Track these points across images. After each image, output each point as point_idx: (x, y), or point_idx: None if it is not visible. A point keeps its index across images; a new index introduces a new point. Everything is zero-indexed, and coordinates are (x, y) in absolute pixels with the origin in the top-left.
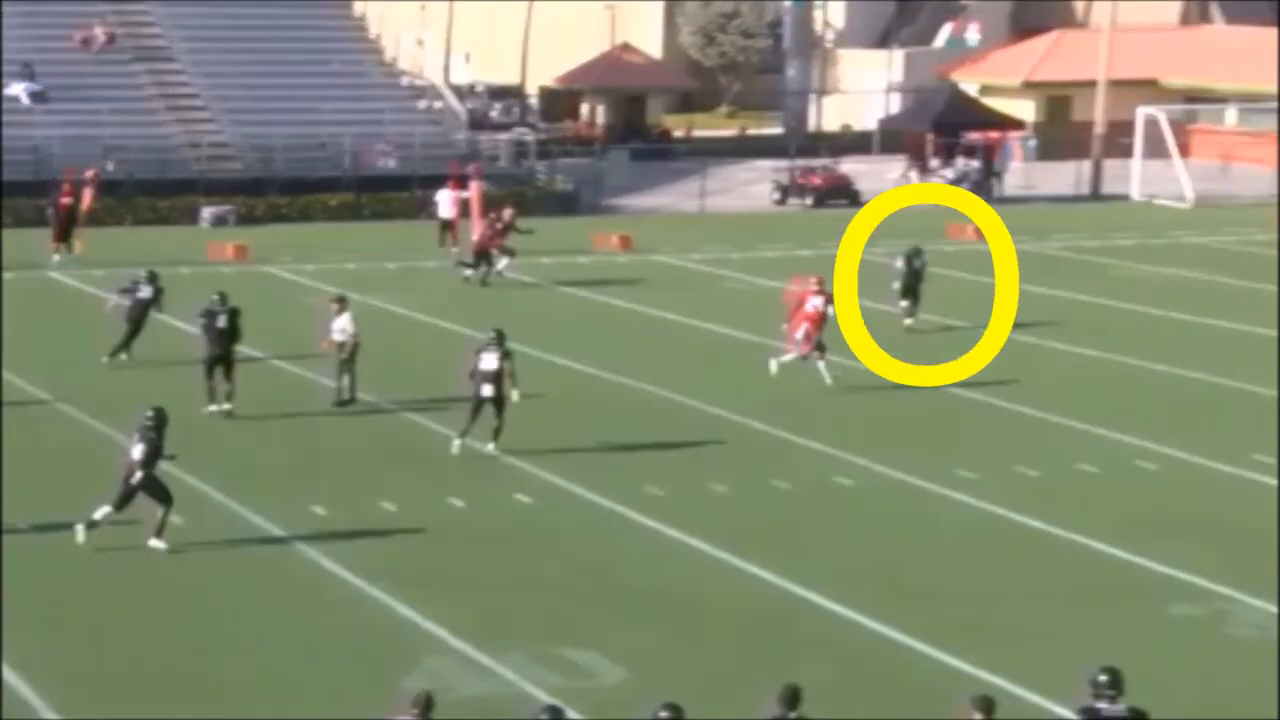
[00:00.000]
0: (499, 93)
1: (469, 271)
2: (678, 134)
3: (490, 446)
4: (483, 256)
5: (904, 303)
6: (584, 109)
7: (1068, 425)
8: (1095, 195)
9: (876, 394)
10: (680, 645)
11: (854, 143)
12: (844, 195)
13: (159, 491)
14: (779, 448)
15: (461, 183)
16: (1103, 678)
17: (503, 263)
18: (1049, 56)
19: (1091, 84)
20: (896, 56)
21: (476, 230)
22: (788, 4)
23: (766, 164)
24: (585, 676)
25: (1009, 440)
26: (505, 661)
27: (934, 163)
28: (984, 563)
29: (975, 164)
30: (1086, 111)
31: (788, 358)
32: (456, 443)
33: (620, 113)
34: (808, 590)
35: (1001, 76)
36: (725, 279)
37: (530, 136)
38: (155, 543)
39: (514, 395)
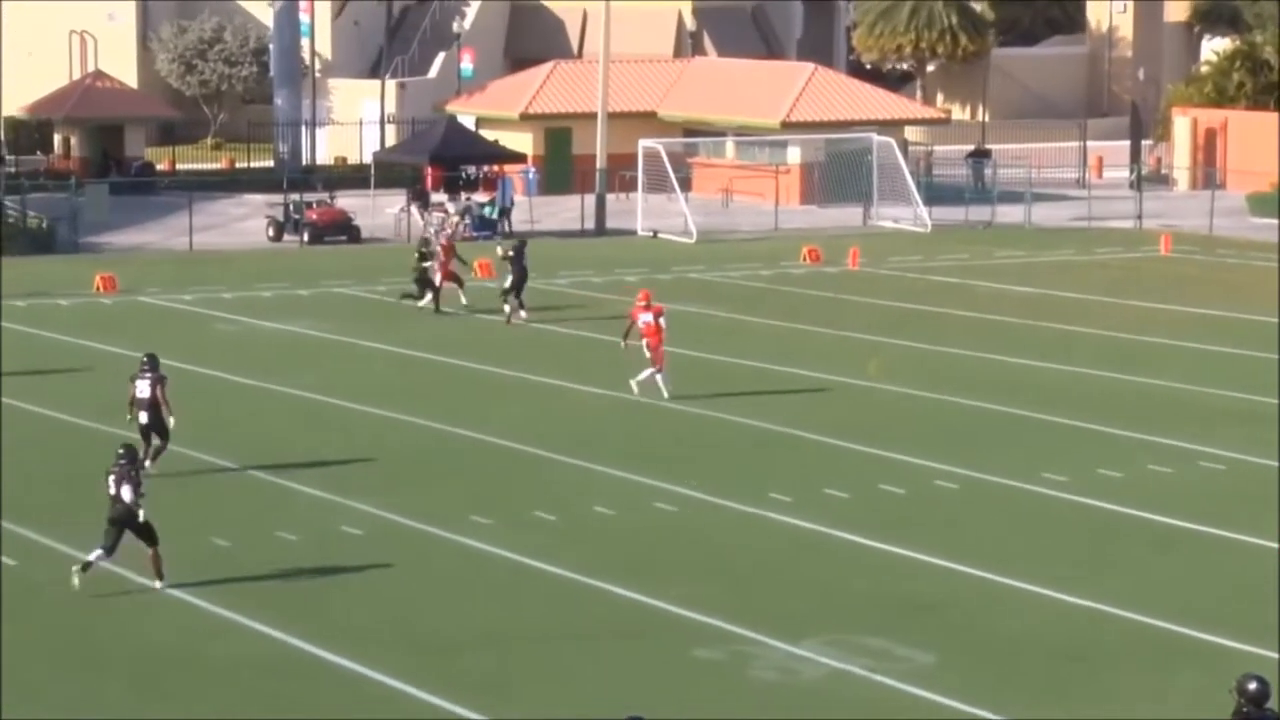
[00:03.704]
0: None
1: None
2: (161, 167)
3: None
4: None
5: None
6: (57, 140)
7: (588, 468)
8: (600, 230)
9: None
10: (177, 710)
11: (350, 176)
12: (342, 231)
13: (147, 530)
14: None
15: None
16: None
17: None
18: (546, 87)
19: (591, 116)
20: (390, 87)
21: None
22: (270, 30)
23: (259, 198)
24: None
25: (524, 484)
26: None
27: (436, 196)
28: (500, 608)
29: (478, 198)
30: (588, 144)
31: (643, 375)
32: (149, 464)
33: (96, 144)
34: (314, 646)
35: (499, 108)
36: (218, 320)
37: None
38: (158, 583)
39: (170, 421)
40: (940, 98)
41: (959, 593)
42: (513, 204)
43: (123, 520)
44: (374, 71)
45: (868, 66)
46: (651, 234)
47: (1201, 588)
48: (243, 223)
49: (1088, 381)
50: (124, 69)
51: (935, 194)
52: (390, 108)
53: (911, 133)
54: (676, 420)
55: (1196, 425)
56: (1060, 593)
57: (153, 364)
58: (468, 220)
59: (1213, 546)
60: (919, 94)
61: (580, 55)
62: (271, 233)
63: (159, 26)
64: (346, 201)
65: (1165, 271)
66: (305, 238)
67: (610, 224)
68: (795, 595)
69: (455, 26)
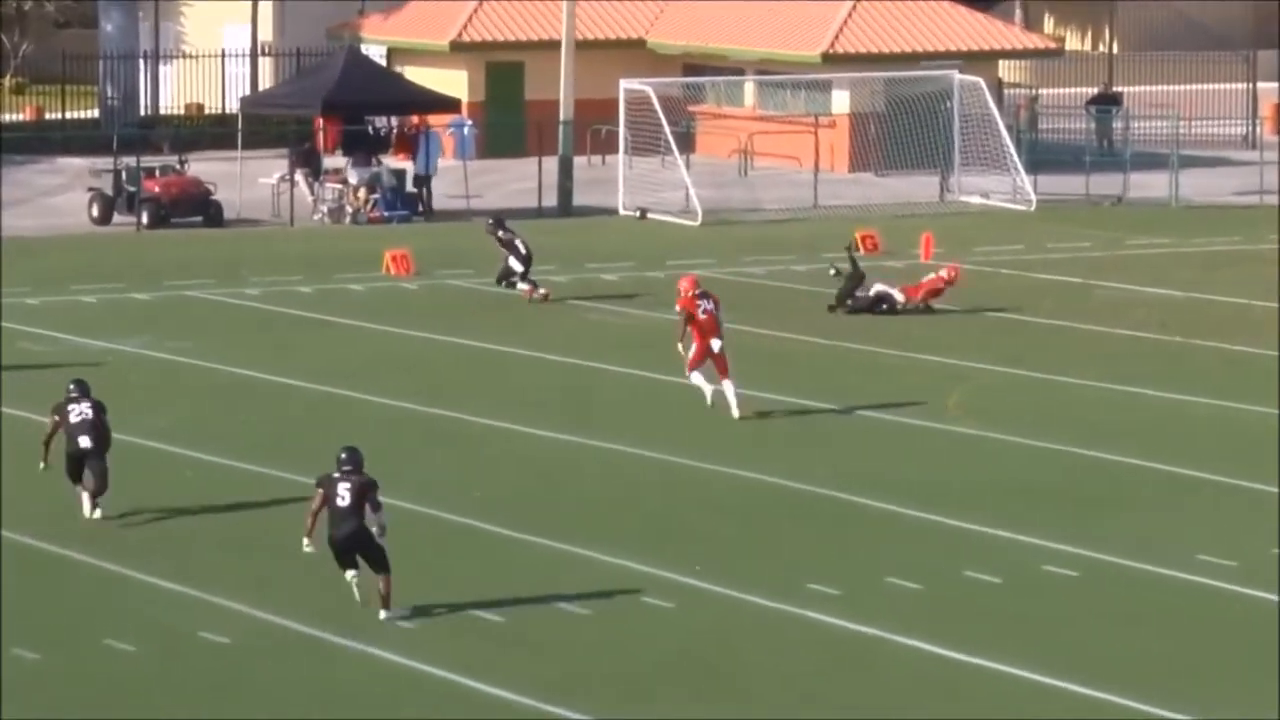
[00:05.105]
0: None
1: None
2: None
3: (97, 513)
4: None
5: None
6: None
7: (546, 545)
8: (566, 209)
9: None
10: None
11: (209, 131)
12: (198, 209)
13: (381, 555)
14: None
15: None
16: None
17: None
18: (486, 5)
19: (552, 45)
20: (265, 6)
21: None
22: None
23: (78, 162)
24: None
25: (456, 568)
26: None
27: (332, 160)
28: None
29: (391, 164)
30: (547, 86)
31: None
32: (93, 508)
33: None
34: None
35: (420, 35)
36: (21, 337)
37: None
38: (385, 614)
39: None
40: (1049, 21)
41: None
42: (434, 171)
43: (355, 542)
44: None
45: None
46: (638, 213)
47: None
48: (55, 197)
49: (1260, 424)
50: None
51: (1043, 157)
52: (265, 34)
53: (1009, 70)
54: (673, 478)
55: None
56: None
57: (82, 391)
58: (376, 195)
59: None
60: (1019, 15)
61: None
62: (96, 211)
63: None
64: (203, 167)
65: None
66: (145, 219)
67: (579, 199)
68: None
69: None
